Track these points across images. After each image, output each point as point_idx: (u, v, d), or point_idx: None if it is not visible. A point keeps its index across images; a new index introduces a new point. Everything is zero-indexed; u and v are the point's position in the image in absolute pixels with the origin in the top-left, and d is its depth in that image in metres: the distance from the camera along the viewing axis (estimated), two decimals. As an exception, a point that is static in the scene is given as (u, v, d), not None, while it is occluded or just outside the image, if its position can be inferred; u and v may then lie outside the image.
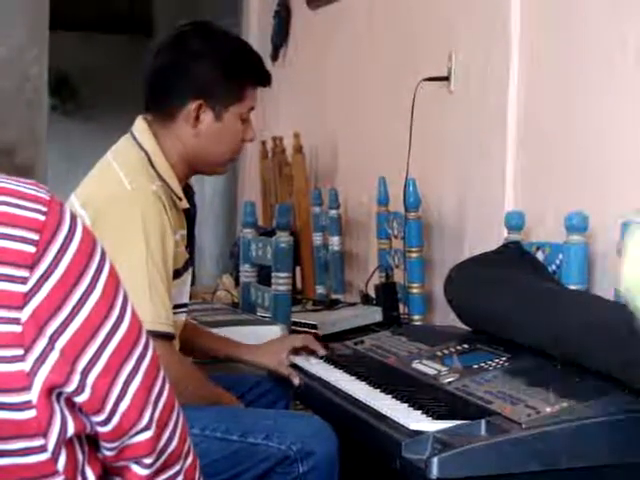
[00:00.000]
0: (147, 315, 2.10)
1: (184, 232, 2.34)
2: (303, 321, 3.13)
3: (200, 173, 2.44)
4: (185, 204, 2.32)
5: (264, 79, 2.41)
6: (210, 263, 7.71)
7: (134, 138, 2.32)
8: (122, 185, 2.22)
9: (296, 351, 2.56)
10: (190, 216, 2.38)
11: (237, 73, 2.33)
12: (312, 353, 2.57)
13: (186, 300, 2.40)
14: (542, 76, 2.81)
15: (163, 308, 2.16)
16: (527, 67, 2.87)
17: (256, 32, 5.48)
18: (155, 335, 2.11)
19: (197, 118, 2.30)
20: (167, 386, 1.09)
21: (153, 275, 2.15)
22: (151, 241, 2.16)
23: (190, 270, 2.41)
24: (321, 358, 2.53)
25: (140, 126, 2.33)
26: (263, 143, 4.76)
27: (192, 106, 2.29)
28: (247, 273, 3.41)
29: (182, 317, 2.38)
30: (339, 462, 2.18)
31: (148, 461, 1.07)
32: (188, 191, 2.41)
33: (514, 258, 2.56)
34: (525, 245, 2.63)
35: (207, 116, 2.31)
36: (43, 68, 4.81)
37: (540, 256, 2.58)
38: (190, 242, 2.40)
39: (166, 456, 1.08)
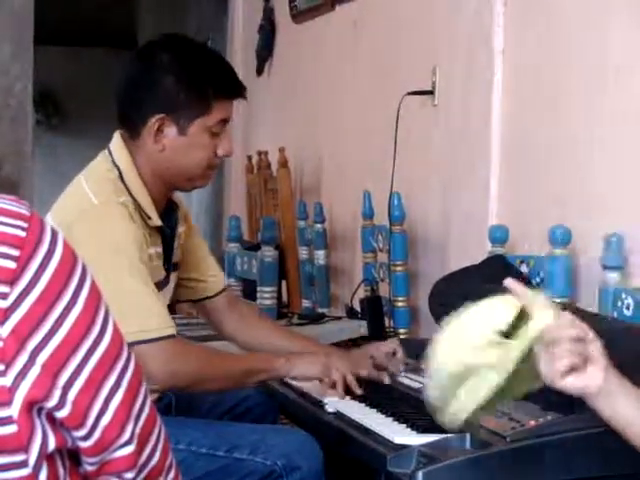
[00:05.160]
0: (137, 324, 2.09)
1: (159, 249, 2.32)
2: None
3: (179, 189, 2.40)
4: (156, 222, 2.27)
5: (232, 90, 2.34)
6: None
7: (110, 154, 2.31)
8: (88, 200, 2.20)
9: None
10: (166, 234, 2.35)
11: (200, 85, 2.26)
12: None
13: None
14: (525, 90, 2.83)
15: (154, 311, 2.14)
16: (510, 81, 2.88)
17: (241, 46, 5.48)
18: (153, 340, 2.10)
19: (160, 132, 2.26)
20: (149, 400, 1.09)
21: (136, 281, 2.14)
22: (125, 249, 2.14)
23: (168, 287, 2.39)
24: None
25: (116, 142, 2.31)
26: (249, 158, 4.76)
27: (153, 121, 2.25)
28: (232, 287, 3.42)
29: None
30: (324, 477, 2.18)
31: (129, 476, 1.06)
32: (172, 206, 2.40)
33: (498, 271, 2.56)
34: (509, 258, 2.64)
35: (170, 130, 2.26)
36: (28, 83, 4.81)
37: (524, 269, 2.59)
38: (168, 260, 2.37)
39: (148, 471, 1.08)
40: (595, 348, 1.45)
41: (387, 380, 2.34)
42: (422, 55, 3.37)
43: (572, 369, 1.44)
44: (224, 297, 2.59)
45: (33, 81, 4.90)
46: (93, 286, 1.06)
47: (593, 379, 1.46)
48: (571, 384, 1.45)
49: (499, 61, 2.91)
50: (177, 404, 2.46)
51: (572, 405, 1.82)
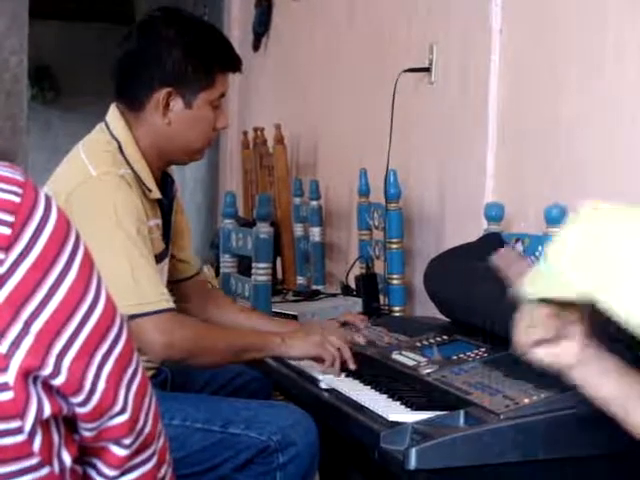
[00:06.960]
0: (135, 298, 2.09)
1: (159, 221, 2.33)
2: (283, 312, 3.13)
3: (175, 163, 2.41)
4: (156, 195, 2.30)
5: (233, 64, 2.38)
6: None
7: (107, 127, 2.31)
8: (87, 172, 2.21)
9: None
10: (164, 207, 2.36)
11: (205, 59, 2.30)
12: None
13: None
14: (523, 69, 2.82)
15: (151, 285, 2.15)
16: (507, 59, 2.87)
17: (238, 22, 5.47)
18: (148, 314, 2.10)
19: (167, 106, 2.28)
20: (140, 368, 1.09)
21: (134, 255, 2.14)
22: (124, 221, 2.15)
23: (167, 260, 2.40)
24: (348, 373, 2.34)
25: (113, 114, 2.32)
26: (244, 134, 4.75)
27: (161, 94, 2.27)
28: (227, 263, 3.42)
29: None
30: (319, 452, 2.18)
31: (127, 441, 1.07)
32: (166, 179, 2.40)
33: (494, 249, 2.56)
34: (505, 236, 2.64)
35: (177, 104, 2.29)
36: (23, 57, 4.80)
37: (519, 247, 2.59)
38: (167, 232, 2.38)
39: (144, 437, 1.09)
40: (574, 327, 1.44)
41: (362, 341, 2.43)
42: (419, 32, 3.36)
43: (543, 341, 1.44)
44: (196, 281, 2.60)
45: (28, 55, 4.88)
46: (86, 253, 1.05)
47: (564, 355, 1.45)
48: (539, 355, 1.45)
49: (496, 40, 2.90)
50: (173, 380, 2.46)
51: (566, 383, 1.83)
